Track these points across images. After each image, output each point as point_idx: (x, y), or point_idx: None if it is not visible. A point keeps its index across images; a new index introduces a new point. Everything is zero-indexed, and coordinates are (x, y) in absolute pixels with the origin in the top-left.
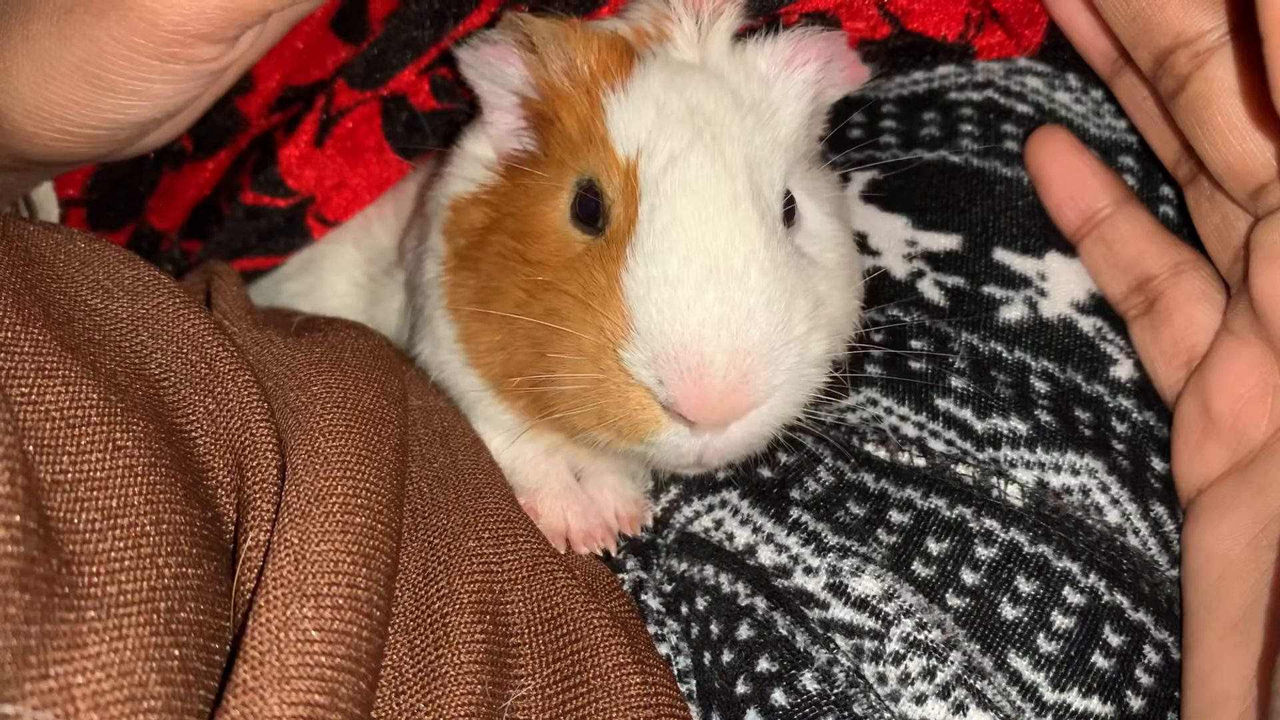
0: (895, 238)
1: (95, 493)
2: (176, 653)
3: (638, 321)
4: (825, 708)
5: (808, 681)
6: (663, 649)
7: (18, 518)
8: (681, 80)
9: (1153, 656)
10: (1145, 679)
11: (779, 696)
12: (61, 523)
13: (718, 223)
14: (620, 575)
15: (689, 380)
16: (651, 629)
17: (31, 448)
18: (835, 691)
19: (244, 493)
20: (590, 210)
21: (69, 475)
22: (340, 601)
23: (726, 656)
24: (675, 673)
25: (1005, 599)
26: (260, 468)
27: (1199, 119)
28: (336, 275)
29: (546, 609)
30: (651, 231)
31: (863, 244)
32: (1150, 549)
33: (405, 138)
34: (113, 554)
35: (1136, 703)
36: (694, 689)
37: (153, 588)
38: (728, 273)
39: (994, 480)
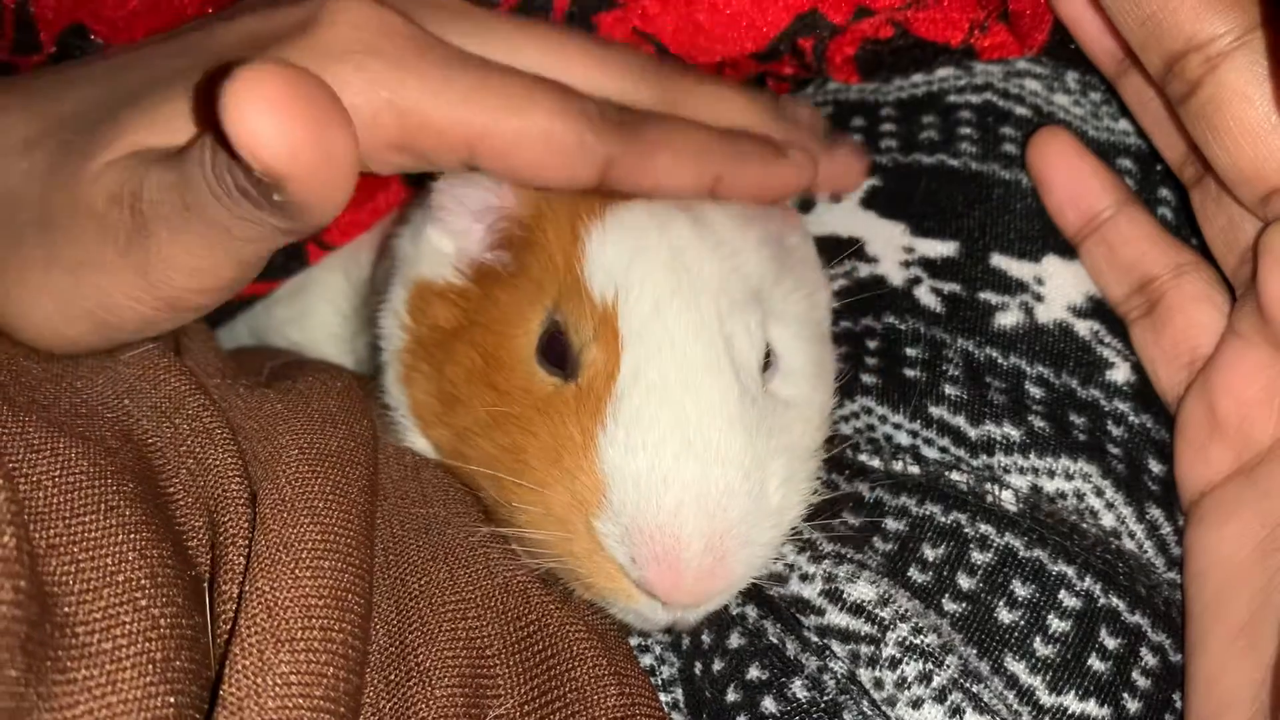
0: (893, 244)
1: (91, 553)
2: (172, 700)
3: (612, 492)
4: (815, 715)
5: (797, 689)
6: (646, 659)
7: (23, 582)
8: (664, 216)
9: (1150, 659)
10: (1142, 681)
11: (769, 704)
12: (58, 585)
13: (698, 387)
14: None
15: (663, 564)
16: (636, 639)
17: (25, 515)
18: (825, 699)
19: (216, 549)
20: (558, 352)
21: (64, 539)
22: (315, 645)
23: (717, 665)
24: (659, 682)
25: (1001, 603)
26: (231, 523)
27: (1210, 124)
28: (324, 303)
29: (521, 626)
30: (635, 393)
31: (860, 251)
32: (1147, 552)
33: None
34: (110, 609)
35: (1133, 705)
36: (680, 698)
37: (148, 638)
38: (704, 445)
39: (988, 486)
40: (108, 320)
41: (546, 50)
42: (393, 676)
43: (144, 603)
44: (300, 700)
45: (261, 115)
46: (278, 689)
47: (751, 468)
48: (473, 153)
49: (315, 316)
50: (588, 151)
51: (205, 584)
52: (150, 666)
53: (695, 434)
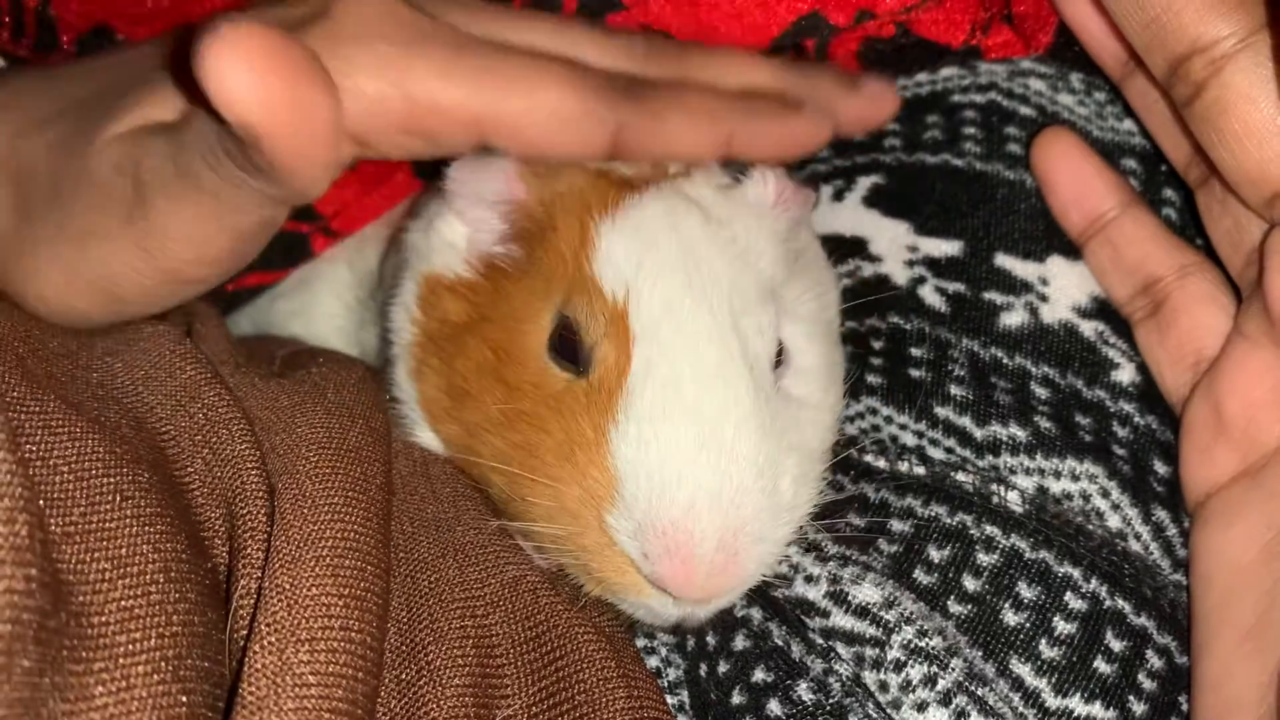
0: (897, 244)
1: (105, 542)
2: (184, 699)
3: (625, 487)
4: (820, 717)
5: (803, 691)
6: (653, 661)
7: (34, 570)
8: (677, 216)
9: (1155, 661)
10: (1148, 684)
11: (774, 707)
12: (73, 574)
13: (711, 384)
14: None
15: (677, 559)
16: (642, 641)
17: (41, 501)
18: (830, 701)
19: (235, 541)
20: (570, 347)
21: (79, 526)
22: (335, 645)
23: (722, 667)
24: (665, 685)
25: (1007, 605)
26: (250, 515)
27: (1215, 126)
28: (329, 296)
29: (530, 627)
30: (648, 388)
31: (864, 250)
32: (1153, 553)
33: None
34: (123, 602)
35: (1139, 708)
36: (685, 700)
37: (161, 635)
38: (718, 442)
39: (994, 487)
40: (112, 291)
41: (553, 33)
42: (403, 675)
43: (158, 597)
44: (320, 702)
45: (236, 68)
46: (297, 689)
47: (765, 465)
48: (481, 131)
49: (320, 309)
50: (596, 120)
51: (222, 576)
52: (163, 664)
53: (709, 430)
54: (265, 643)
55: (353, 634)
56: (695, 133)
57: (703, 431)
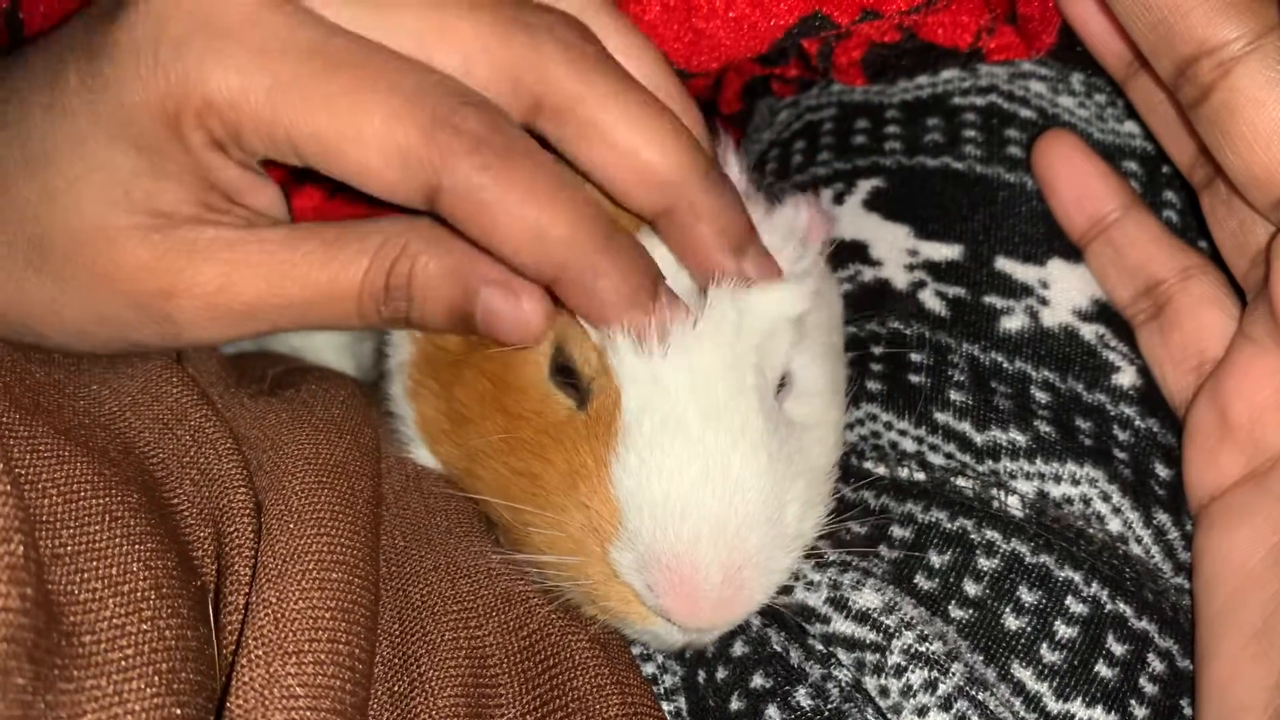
0: (897, 247)
1: (96, 562)
2: (178, 712)
3: (627, 520)
4: None
5: (801, 697)
6: (649, 668)
7: (30, 590)
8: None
9: (1157, 665)
10: (1149, 687)
11: (773, 713)
12: (63, 595)
13: (719, 416)
14: None
15: (681, 593)
16: (638, 648)
17: (32, 524)
18: (829, 707)
19: (222, 559)
20: (569, 377)
21: (69, 547)
22: (322, 657)
23: (720, 673)
24: (662, 691)
25: (1008, 609)
26: (237, 533)
27: (1222, 128)
28: None
29: (523, 636)
30: (644, 423)
31: (864, 254)
32: (1154, 557)
33: None
34: (115, 620)
35: (1140, 711)
36: (683, 707)
37: (154, 649)
38: (724, 474)
39: (994, 492)
40: (125, 346)
41: (426, 23)
42: (396, 688)
43: (149, 614)
44: (308, 713)
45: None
46: (285, 701)
47: (770, 495)
48: (296, 151)
49: None
50: (410, 169)
51: (211, 594)
52: (157, 678)
53: (715, 462)
54: (252, 656)
55: (340, 645)
56: (520, 251)
57: (708, 464)
